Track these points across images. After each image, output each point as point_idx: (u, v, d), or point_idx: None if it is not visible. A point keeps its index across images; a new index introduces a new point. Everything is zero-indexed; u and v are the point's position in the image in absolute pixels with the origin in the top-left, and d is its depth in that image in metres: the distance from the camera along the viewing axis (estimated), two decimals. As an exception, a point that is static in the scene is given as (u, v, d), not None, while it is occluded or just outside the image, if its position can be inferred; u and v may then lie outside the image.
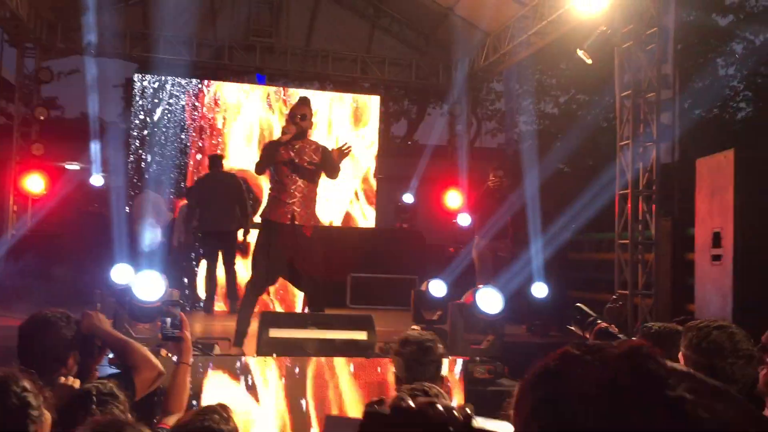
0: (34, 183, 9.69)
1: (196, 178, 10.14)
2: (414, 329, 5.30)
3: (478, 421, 0.87)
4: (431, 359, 2.94)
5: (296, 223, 5.70)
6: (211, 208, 8.47)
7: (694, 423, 0.74)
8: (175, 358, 3.13)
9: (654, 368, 0.78)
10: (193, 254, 8.96)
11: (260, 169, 5.87)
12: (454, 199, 11.19)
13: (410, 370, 2.90)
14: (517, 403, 0.86)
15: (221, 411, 2.19)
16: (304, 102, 5.96)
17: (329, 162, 5.85)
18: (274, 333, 4.54)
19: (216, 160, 9.25)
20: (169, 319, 2.85)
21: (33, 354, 2.90)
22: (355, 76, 11.67)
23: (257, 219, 8.54)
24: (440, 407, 0.87)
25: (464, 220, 10.03)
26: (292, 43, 11.20)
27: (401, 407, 0.88)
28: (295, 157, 5.74)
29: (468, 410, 0.89)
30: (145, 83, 10.65)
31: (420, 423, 0.87)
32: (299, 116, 5.77)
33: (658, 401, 0.75)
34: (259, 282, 5.82)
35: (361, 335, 4.60)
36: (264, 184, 9.16)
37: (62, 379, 2.33)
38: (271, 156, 5.74)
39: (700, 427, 0.74)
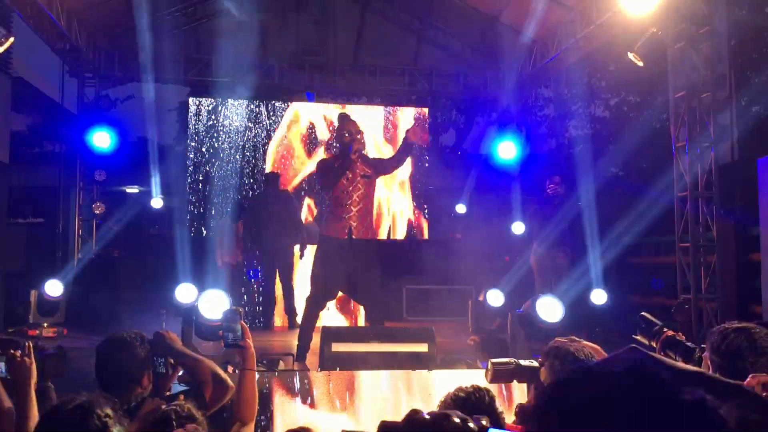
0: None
1: (251, 197, 10.35)
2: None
3: None
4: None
5: (354, 237, 5.78)
6: (267, 226, 8.63)
7: (716, 425, 0.74)
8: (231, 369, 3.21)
9: (662, 376, 0.78)
10: (251, 271, 9.12)
11: (328, 186, 5.99)
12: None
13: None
14: (533, 415, 0.87)
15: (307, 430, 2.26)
16: (343, 120, 6.09)
17: (384, 166, 6.02)
18: (337, 347, 4.60)
19: (271, 178, 9.42)
20: (230, 333, 2.89)
21: (110, 373, 3.02)
22: (402, 89, 11.76)
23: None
24: (456, 419, 0.88)
25: (518, 228, 9.96)
26: (340, 59, 11.35)
27: (415, 420, 0.89)
28: (349, 172, 5.85)
29: (484, 422, 0.90)
30: (200, 106, 10.93)
31: None
32: (345, 134, 5.90)
33: (672, 407, 0.74)
34: (319, 297, 5.91)
35: (422, 347, 4.63)
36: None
37: (156, 400, 2.43)
38: (329, 174, 5.87)
39: (722, 428, 0.73)
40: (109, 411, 1.96)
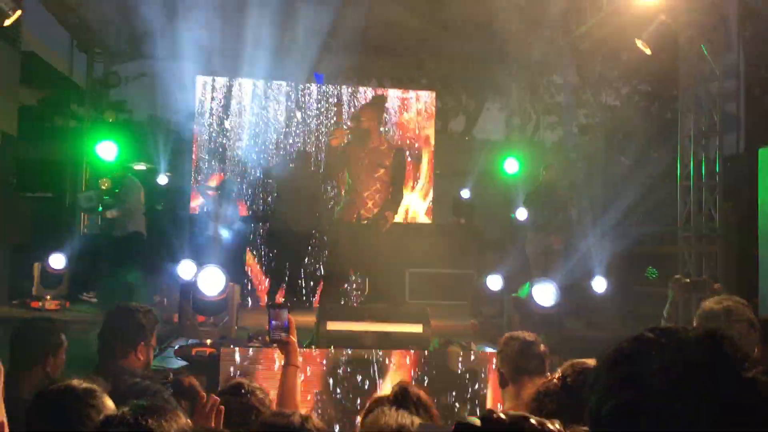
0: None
1: (276, 173, 10.01)
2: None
3: None
4: (534, 353, 2.97)
5: (362, 222, 5.84)
6: (287, 206, 8.44)
7: (765, 401, 0.76)
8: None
9: (730, 351, 0.79)
10: (255, 250, 9.11)
11: (330, 172, 6.03)
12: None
13: (515, 365, 2.94)
14: (593, 384, 0.86)
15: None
16: (365, 104, 6.14)
17: (399, 169, 5.97)
18: (332, 326, 4.64)
19: (301, 156, 9.41)
20: (276, 322, 2.79)
21: (109, 335, 3.24)
22: (411, 73, 11.72)
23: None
24: (533, 421, 0.88)
25: (522, 214, 9.95)
26: (348, 40, 11.29)
27: (493, 419, 0.88)
28: (365, 158, 5.87)
29: (559, 425, 0.90)
30: (209, 84, 10.92)
31: None
32: (354, 119, 5.95)
33: (732, 382, 0.76)
34: (335, 278, 6.05)
35: (417, 328, 4.66)
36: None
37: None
38: (339, 159, 5.90)
39: None
40: (103, 401, 2.04)
